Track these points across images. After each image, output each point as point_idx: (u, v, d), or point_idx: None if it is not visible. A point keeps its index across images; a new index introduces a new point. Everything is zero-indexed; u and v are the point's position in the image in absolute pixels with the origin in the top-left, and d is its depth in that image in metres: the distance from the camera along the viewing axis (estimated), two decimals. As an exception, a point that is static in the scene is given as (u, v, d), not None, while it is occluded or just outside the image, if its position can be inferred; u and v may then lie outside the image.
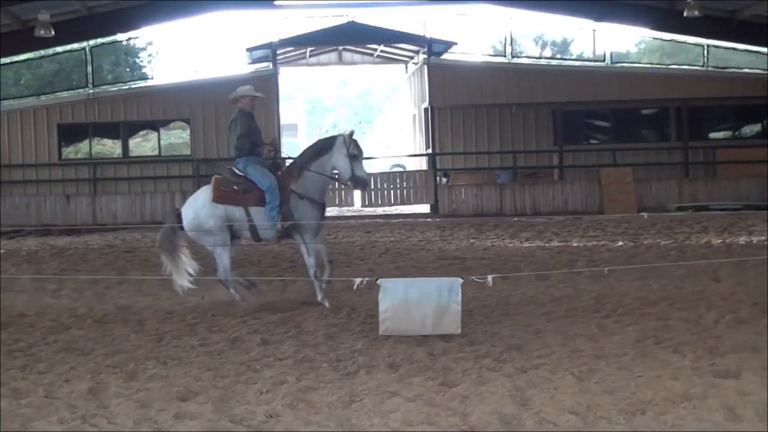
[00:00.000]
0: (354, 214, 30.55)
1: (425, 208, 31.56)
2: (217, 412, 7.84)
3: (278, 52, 32.29)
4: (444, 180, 32.22)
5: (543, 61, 39.57)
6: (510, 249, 20.17)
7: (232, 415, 7.75)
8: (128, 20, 31.51)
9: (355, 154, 13.15)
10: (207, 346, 10.51)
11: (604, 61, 34.08)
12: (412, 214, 30.85)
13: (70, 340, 11.04)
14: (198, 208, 13.42)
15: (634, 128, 33.91)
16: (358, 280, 11.03)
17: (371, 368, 9.26)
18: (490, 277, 10.72)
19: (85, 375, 9.21)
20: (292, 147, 44.80)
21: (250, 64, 33.56)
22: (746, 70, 33.64)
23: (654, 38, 37.59)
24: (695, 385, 8.26)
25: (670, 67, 35.29)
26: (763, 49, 33.10)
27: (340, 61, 39.71)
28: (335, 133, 13.76)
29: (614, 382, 8.44)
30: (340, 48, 37.83)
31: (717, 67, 33.49)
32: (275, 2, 31.99)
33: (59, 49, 33.52)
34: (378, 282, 10.62)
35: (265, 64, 32.64)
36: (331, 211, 23.37)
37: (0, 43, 30.44)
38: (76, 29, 30.99)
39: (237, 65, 34.02)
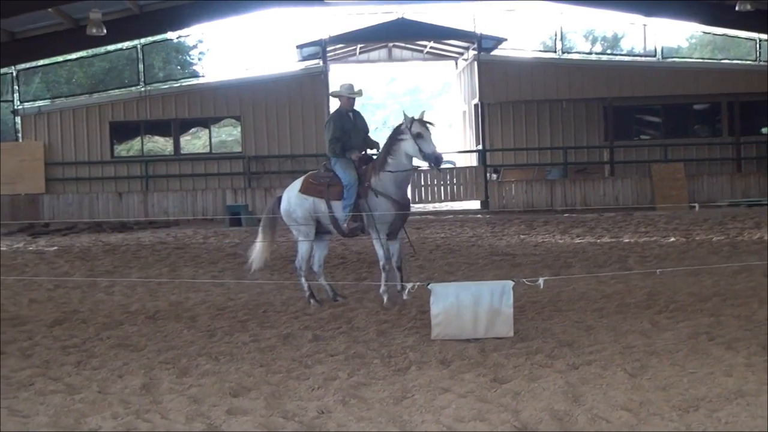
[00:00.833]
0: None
1: (476, 204, 31.54)
2: (269, 407, 7.86)
3: (328, 49, 32.39)
4: (494, 176, 32.17)
5: (593, 57, 39.43)
6: (561, 245, 20.10)
7: (284, 411, 7.77)
8: (179, 18, 31.72)
9: (419, 132, 12.76)
10: (259, 342, 10.54)
11: (654, 56, 33.91)
12: (463, 210, 30.83)
13: (123, 336, 11.13)
14: (291, 196, 13.68)
15: (686, 123, 33.71)
16: (409, 285, 11.02)
17: (422, 364, 9.24)
18: (541, 280, 10.69)
19: (138, 371, 9.28)
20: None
21: (300, 61, 33.65)
22: (800, 64, 33.30)
23: (705, 33, 37.24)
24: (749, 381, 8.18)
25: (722, 61, 35.03)
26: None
27: (390, 57, 39.76)
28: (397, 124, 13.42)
29: (667, 378, 8.38)
30: (390, 45, 37.92)
31: (770, 62, 33.21)
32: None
33: (111, 47, 33.79)
34: (429, 287, 10.60)
35: (315, 61, 32.74)
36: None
37: (53, 42, 30.81)
38: (127, 28, 31.30)
39: (287, 62, 34.17)
